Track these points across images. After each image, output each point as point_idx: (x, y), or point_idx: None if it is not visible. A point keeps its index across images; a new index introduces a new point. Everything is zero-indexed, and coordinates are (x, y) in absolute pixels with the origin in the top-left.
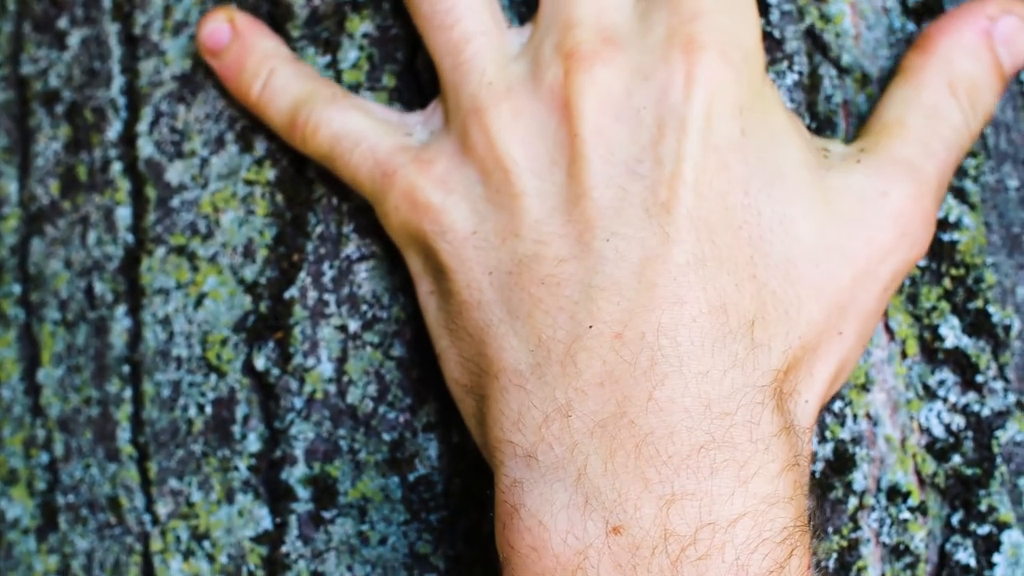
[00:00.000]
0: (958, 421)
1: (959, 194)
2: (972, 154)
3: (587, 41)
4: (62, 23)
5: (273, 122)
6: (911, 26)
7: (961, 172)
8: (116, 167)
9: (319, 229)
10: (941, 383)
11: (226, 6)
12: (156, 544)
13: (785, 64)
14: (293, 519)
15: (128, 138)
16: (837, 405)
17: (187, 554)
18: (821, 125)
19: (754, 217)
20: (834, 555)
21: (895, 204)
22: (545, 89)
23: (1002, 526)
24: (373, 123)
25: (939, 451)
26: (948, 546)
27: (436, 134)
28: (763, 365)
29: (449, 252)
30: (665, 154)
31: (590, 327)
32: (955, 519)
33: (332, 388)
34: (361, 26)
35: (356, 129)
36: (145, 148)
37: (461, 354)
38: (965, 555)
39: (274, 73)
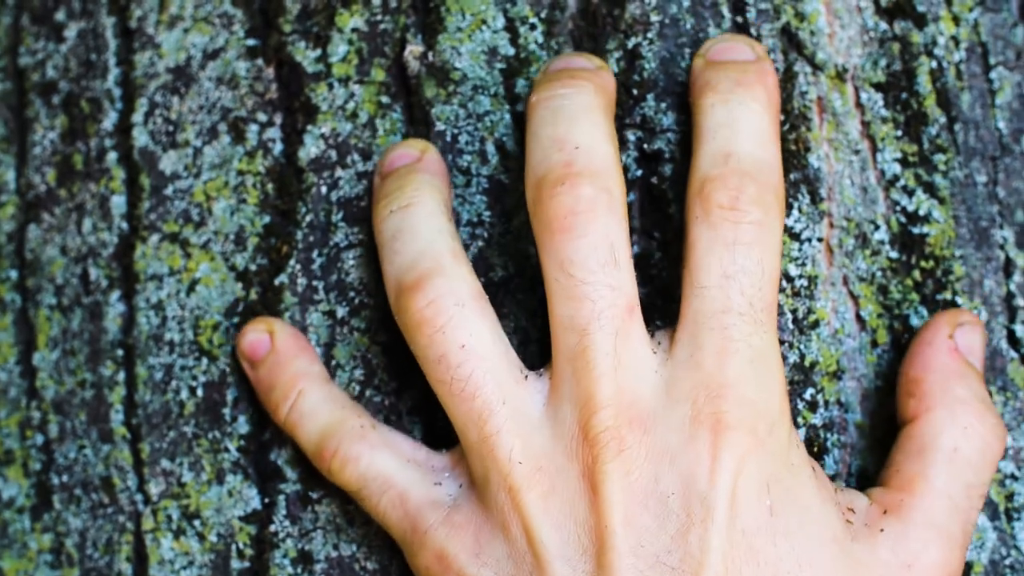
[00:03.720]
0: None
1: (929, 188)
2: (942, 150)
3: (613, 427)
4: (59, 16)
5: (301, 446)
6: (883, 26)
7: (931, 167)
8: (111, 156)
9: (308, 218)
10: None
11: (268, 318)
12: (147, 523)
13: None
14: (281, 499)
15: (123, 128)
16: (809, 393)
17: (178, 533)
18: (795, 121)
19: None
20: None
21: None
22: (574, 473)
23: None
24: (401, 465)
25: None
26: None
27: (465, 492)
28: None
29: None
30: (692, 545)
31: None
32: None
33: None
34: (351, 21)
35: (384, 472)
36: (140, 138)
37: None
38: None
39: (303, 395)
